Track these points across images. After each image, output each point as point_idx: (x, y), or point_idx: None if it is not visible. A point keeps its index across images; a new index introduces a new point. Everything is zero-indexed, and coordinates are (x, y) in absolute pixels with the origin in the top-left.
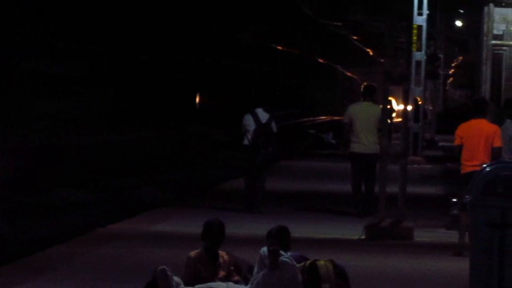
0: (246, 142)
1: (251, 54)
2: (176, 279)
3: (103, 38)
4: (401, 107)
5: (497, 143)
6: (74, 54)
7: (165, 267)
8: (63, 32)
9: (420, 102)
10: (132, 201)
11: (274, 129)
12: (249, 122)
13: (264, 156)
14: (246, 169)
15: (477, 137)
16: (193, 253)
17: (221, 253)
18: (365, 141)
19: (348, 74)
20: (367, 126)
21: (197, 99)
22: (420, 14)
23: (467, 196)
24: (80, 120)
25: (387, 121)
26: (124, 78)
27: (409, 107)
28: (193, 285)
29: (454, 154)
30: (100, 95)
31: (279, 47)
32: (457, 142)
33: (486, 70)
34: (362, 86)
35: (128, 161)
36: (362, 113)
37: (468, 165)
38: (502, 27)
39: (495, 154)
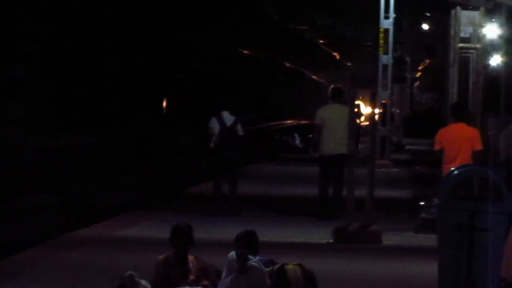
0: (212, 144)
1: (217, 57)
2: (143, 283)
3: (74, 40)
4: (369, 110)
5: (478, 146)
6: (41, 56)
7: (132, 272)
8: (30, 35)
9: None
10: (100, 205)
11: (240, 132)
12: (214, 125)
13: (228, 158)
14: (214, 171)
15: (457, 141)
16: (162, 257)
17: (190, 257)
18: (335, 142)
19: (315, 77)
20: (338, 127)
21: (164, 103)
22: (386, 17)
23: (435, 199)
24: (44, 123)
25: (354, 123)
26: (91, 80)
27: (377, 111)
28: None
29: (436, 158)
30: (63, 97)
31: (246, 51)
32: (437, 147)
33: (454, 73)
34: (330, 89)
35: (95, 165)
36: (332, 114)
37: (448, 167)
38: (469, 30)
39: (477, 157)
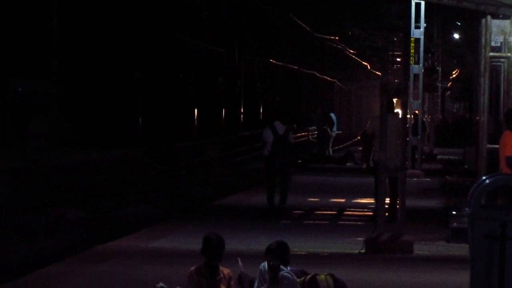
0: (265, 153)
1: (247, 70)
2: None
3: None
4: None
5: (509, 151)
6: (67, 72)
7: (162, 284)
8: (55, 51)
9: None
10: (128, 218)
11: (291, 140)
12: (267, 134)
13: (281, 165)
14: (266, 177)
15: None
16: (194, 268)
17: (221, 268)
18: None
19: (345, 87)
20: (389, 137)
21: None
22: (417, 27)
23: (466, 209)
24: (69, 138)
25: (385, 134)
26: (117, 94)
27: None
28: None
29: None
30: (88, 111)
31: (277, 62)
32: None
33: (485, 83)
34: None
35: (122, 179)
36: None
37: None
38: (500, 39)
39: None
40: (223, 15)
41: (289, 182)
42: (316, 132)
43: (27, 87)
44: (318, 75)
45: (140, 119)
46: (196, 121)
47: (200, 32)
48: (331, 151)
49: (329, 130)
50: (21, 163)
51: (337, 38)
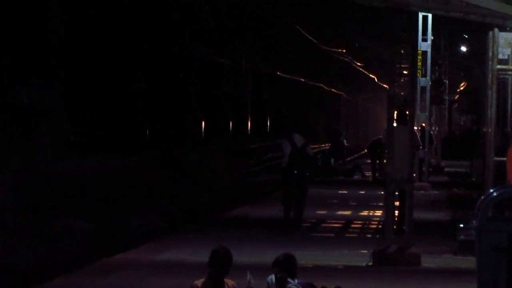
0: (283, 164)
1: (254, 81)
2: None
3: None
4: None
5: None
6: (70, 79)
7: None
8: (58, 57)
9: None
10: (136, 230)
11: (310, 153)
12: (286, 146)
13: (298, 176)
14: (283, 189)
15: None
16: (197, 282)
17: (227, 281)
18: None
19: (352, 100)
20: (401, 149)
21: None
22: (424, 39)
23: (473, 221)
24: (74, 146)
25: (392, 145)
26: (123, 102)
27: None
28: None
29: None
30: (94, 120)
31: (283, 74)
32: None
33: (492, 95)
34: (396, 113)
35: (128, 188)
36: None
37: None
38: (507, 51)
39: None
40: (230, 25)
41: (306, 195)
42: (328, 145)
43: (31, 91)
44: (325, 87)
45: (147, 131)
46: (203, 132)
47: (204, 39)
48: (334, 164)
49: (345, 142)
50: (24, 168)
51: (344, 50)
